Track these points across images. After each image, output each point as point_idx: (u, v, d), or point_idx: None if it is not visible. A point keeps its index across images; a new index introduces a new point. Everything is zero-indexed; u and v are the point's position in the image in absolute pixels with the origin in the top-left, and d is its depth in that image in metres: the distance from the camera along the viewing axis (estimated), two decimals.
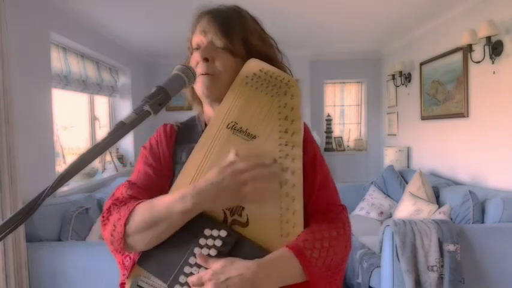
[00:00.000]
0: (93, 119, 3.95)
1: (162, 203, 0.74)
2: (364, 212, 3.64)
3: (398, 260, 2.09)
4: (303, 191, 0.79)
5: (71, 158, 3.41)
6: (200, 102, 0.93)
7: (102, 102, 4.24)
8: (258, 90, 0.83)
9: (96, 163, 3.79)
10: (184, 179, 0.80)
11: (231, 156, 0.74)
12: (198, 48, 0.86)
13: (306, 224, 0.79)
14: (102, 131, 4.05)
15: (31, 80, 2.60)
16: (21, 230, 2.17)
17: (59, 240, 2.35)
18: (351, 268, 2.74)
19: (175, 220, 0.73)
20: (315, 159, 0.87)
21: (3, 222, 0.57)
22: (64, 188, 2.89)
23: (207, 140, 0.81)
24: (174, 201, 0.73)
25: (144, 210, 0.75)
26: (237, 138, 0.80)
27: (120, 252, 0.79)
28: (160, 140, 0.91)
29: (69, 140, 3.58)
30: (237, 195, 0.71)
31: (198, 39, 0.86)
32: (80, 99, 3.79)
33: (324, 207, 0.84)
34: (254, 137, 0.80)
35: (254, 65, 0.83)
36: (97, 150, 0.65)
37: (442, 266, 2.06)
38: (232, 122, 0.81)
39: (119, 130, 0.67)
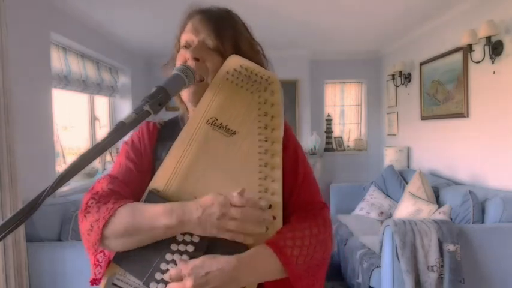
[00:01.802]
0: (93, 119, 3.95)
1: (147, 213, 0.73)
2: (364, 212, 3.64)
3: (398, 260, 2.09)
4: (284, 187, 0.79)
5: (71, 158, 3.41)
6: (184, 102, 0.92)
7: (102, 102, 4.24)
8: (238, 86, 0.82)
9: (96, 163, 3.78)
10: (163, 173, 0.80)
11: (234, 192, 0.72)
12: (186, 46, 0.85)
13: (288, 220, 0.79)
14: (102, 131, 4.05)
15: (31, 80, 2.60)
16: (21, 230, 2.17)
17: (59, 240, 2.35)
18: (351, 268, 2.74)
19: (156, 234, 0.72)
20: (297, 156, 0.87)
21: (3, 222, 0.57)
22: (64, 188, 2.89)
23: (186, 136, 0.81)
24: (160, 214, 0.72)
25: (126, 217, 0.73)
26: (217, 134, 0.80)
27: (93, 253, 0.79)
28: (142, 136, 0.91)
29: (69, 140, 3.58)
30: (218, 227, 0.70)
31: (188, 37, 0.85)
32: (80, 99, 3.79)
33: (305, 204, 0.84)
34: (234, 133, 0.80)
35: (235, 61, 0.83)
36: (97, 150, 0.65)
37: (442, 266, 2.06)
38: (212, 117, 0.81)
39: (119, 130, 0.67)
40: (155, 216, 0.72)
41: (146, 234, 0.73)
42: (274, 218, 0.76)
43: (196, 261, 0.70)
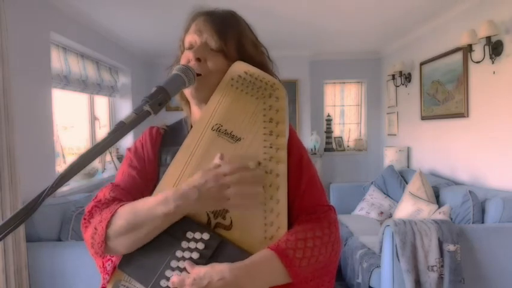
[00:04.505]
0: (93, 119, 3.95)
1: (145, 205, 0.74)
2: (364, 212, 3.64)
3: (399, 260, 2.09)
4: (289, 193, 0.79)
5: (71, 158, 3.41)
6: (188, 103, 0.92)
7: (102, 102, 4.24)
8: (243, 93, 0.82)
9: (96, 163, 3.79)
10: (167, 180, 0.80)
11: (216, 160, 0.74)
12: (190, 47, 0.85)
13: (292, 226, 0.79)
14: (102, 131, 4.05)
15: (31, 80, 2.60)
16: (21, 230, 2.17)
17: (59, 240, 2.35)
18: (351, 268, 2.74)
19: (157, 223, 0.73)
20: (301, 161, 0.86)
21: (3, 222, 0.57)
22: (64, 188, 2.89)
23: (191, 142, 0.81)
24: (157, 204, 0.72)
25: (127, 213, 0.74)
26: (222, 141, 0.80)
27: (100, 256, 0.79)
28: (145, 143, 0.90)
29: (69, 140, 3.57)
30: (219, 199, 0.70)
31: (191, 38, 0.85)
32: (80, 99, 3.79)
33: (309, 208, 0.83)
34: (239, 139, 0.80)
35: (239, 67, 0.83)
36: (97, 150, 0.65)
37: (442, 266, 2.06)
38: (217, 124, 0.81)
39: (119, 130, 0.67)
40: (152, 207, 0.72)
41: (147, 227, 0.73)
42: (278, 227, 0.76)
43: (200, 271, 0.70)
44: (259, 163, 0.76)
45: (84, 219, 0.79)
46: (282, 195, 0.77)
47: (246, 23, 0.91)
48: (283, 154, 0.79)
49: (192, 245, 0.74)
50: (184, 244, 0.74)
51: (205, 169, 0.72)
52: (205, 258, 0.73)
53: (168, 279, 0.73)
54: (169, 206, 0.71)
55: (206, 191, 0.70)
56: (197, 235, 0.74)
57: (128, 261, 0.76)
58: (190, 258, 0.73)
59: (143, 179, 0.86)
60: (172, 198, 0.71)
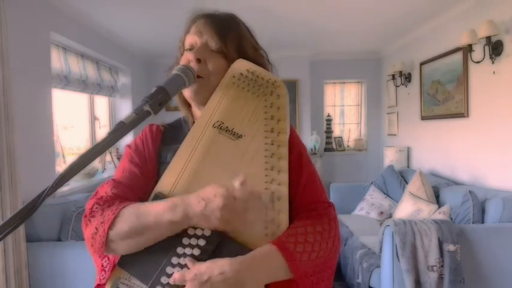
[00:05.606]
0: (93, 119, 3.95)
1: (151, 211, 0.73)
2: (364, 212, 3.64)
3: (399, 260, 2.09)
4: (289, 190, 0.79)
5: (71, 158, 3.41)
6: (187, 103, 0.92)
7: (102, 102, 4.24)
8: (245, 90, 0.83)
9: (96, 163, 3.78)
10: (168, 176, 0.80)
11: (236, 181, 0.71)
12: (190, 48, 0.86)
13: (292, 222, 0.79)
14: (102, 131, 4.05)
15: (31, 80, 2.60)
16: (21, 230, 2.17)
17: (59, 240, 2.35)
18: (351, 268, 2.74)
19: (162, 230, 0.72)
20: (301, 158, 0.87)
21: (3, 222, 0.57)
22: (64, 188, 2.89)
23: (192, 139, 0.81)
24: (164, 211, 0.71)
25: (131, 217, 0.73)
26: (223, 138, 0.81)
27: (99, 256, 0.79)
28: (146, 140, 0.90)
29: (69, 140, 3.57)
30: (223, 220, 0.70)
31: (192, 39, 0.86)
32: (80, 99, 3.79)
33: (310, 205, 0.84)
34: (240, 136, 0.81)
35: (241, 65, 0.84)
36: (97, 150, 0.65)
37: (442, 266, 2.06)
38: (218, 121, 0.82)
39: (119, 130, 0.67)
40: (159, 213, 0.72)
41: (151, 233, 0.73)
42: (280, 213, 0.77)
43: (200, 267, 0.70)
44: (273, 193, 0.77)
45: (85, 216, 0.78)
46: (284, 192, 0.78)
47: (245, 26, 0.91)
48: (284, 151, 0.80)
49: (194, 241, 0.74)
50: (185, 241, 0.74)
51: (219, 184, 0.71)
52: (206, 255, 0.73)
53: (168, 275, 0.73)
54: (177, 214, 0.71)
55: (211, 207, 0.69)
56: (198, 231, 0.75)
57: (128, 259, 0.76)
58: (192, 255, 0.74)
59: (144, 176, 0.85)
60: (181, 207, 0.71)
